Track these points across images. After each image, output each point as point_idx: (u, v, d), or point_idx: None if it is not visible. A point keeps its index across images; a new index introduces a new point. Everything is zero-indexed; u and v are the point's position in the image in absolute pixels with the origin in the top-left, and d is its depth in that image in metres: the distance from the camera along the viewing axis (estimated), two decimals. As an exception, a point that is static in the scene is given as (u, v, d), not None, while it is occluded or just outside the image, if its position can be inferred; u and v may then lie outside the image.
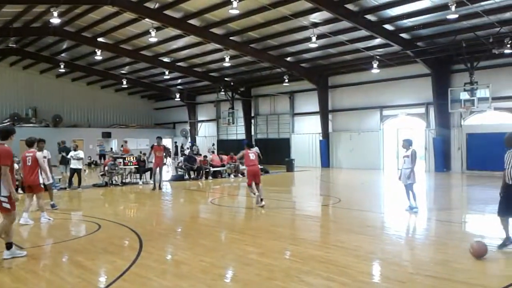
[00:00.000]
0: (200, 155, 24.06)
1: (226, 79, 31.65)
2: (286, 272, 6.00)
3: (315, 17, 19.60)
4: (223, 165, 22.33)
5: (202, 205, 13.64)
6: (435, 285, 5.50)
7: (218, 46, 24.21)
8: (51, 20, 19.89)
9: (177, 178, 20.37)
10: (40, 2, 20.27)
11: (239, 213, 12.34)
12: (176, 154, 36.80)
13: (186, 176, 20.66)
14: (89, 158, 32.08)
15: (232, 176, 21.81)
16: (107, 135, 36.35)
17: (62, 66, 30.60)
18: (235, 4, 16.86)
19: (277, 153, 29.89)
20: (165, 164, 14.87)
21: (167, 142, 40.14)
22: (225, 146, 32.39)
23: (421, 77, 23.25)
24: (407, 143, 11.04)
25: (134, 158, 19.72)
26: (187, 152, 29.08)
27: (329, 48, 23.38)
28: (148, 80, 35.27)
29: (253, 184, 12.25)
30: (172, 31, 22.90)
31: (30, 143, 10.16)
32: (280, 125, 31.59)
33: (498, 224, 7.09)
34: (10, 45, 28.14)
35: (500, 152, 6.91)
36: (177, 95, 35.61)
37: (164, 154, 17.16)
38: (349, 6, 18.19)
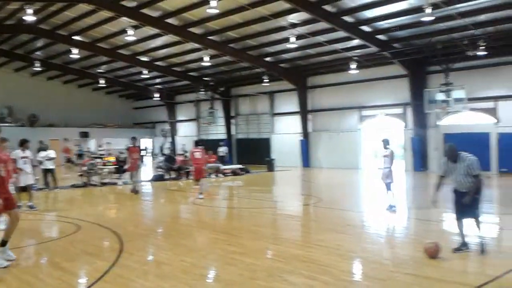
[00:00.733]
0: (182, 154, 23.92)
1: (205, 78, 31.52)
2: (269, 271, 6.03)
3: (294, 17, 19.70)
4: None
5: (183, 205, 13.57)
6: (414, 283, 5.62)
7: (197, 45, 24.09)
8: (25, 18, 19.42)
9: (157, 178, 20.21)
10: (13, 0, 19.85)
11: (220, 213, 12.33)
12: (155, 154, 36.46)
13: (167, 176, 20.52)
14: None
15: (213, 176, 21.73)
16: (84, 135, 35.79)
17: (37, 65, 29.94)
18: (213, 3, 16.71)
19: (257, 153, 29.95)
20: (140, 167, 14.54)
21: (147, 142, 39.81)
22: (205, 146, 32.17)
23: (398, 78, 23.62)
24: (386, 143, 11.22)
25: (114, 158, 19.47)
26: (166, 152, 28.89)
27: (308, 48, 23.54)
28: (127, 79, 34.83)
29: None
30: (150, 30, 22.67)
31: None
32: (260, 125, 31.65)
33: (472, 223, 7.17)
34: (-17, 43, 27.49)
35: (475, 152, 7.06)
36: (156, 95, 35.28)
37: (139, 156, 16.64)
38: (327, 7, 18.35)
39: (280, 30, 20.92)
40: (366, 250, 7.29)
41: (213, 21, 20.81)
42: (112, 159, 19.39)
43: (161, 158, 23.47)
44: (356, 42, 21.68)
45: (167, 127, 38.52)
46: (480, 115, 21.50)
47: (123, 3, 19.63)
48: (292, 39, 20.21)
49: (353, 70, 23.40)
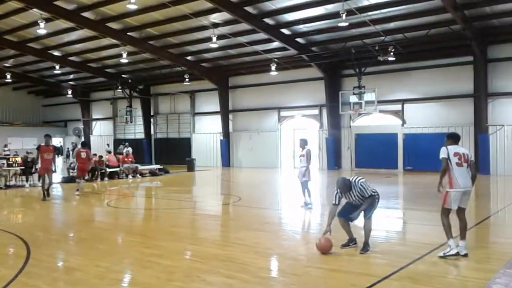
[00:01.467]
0: (122, 154, 22.88)
1: (123, 76, 30.49)
2: (187, 272, 5.98)
3: (216, 17, 19.73)
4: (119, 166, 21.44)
5: (97, 208, 12.98)
6: (325, 276, 5.90)
7: (114, 41, 23.22)
8: None
9: (69, 180, 19.13)
10: None
11: (137, 214, 11.98)
12: (68, 156, 34.56)
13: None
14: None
15: (130, 176, 21.04)
16: (-13, 134, 33.02)
17: None
18: (133, -1, 16.29)
19: (177, 152, 29.63)
20: (54, 171, 13.64)
21: (58, 141, 37.62)
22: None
23: (315, 80, 24.58)
24: (303, 143, 11.62)
25: (20, 159, 18.17)
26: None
27: (230, 49, 23.70)
28: (36, 74, 32.64)
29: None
30: (63, 23, 21.43)
31: None
32: (180, 125, 31.27)
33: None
34: None
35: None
36: (69, 91, 33.42)
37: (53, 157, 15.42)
38: (249, 9, 18.62)
39: (202, 29, 20.84)
40: (283, 246, 7.50)
41: (132, 17, 20.19)
42: (19, 159, 18.14)
43: (73, 159, 22.25)
44: (276, 44, 22.22)
45: (80, 126, 36.73)
46: (388, 117, 23.05)
47: (34, -7, 18.38)
48: (214, 38, 20.21)
49: (273, 72, 23.97)
